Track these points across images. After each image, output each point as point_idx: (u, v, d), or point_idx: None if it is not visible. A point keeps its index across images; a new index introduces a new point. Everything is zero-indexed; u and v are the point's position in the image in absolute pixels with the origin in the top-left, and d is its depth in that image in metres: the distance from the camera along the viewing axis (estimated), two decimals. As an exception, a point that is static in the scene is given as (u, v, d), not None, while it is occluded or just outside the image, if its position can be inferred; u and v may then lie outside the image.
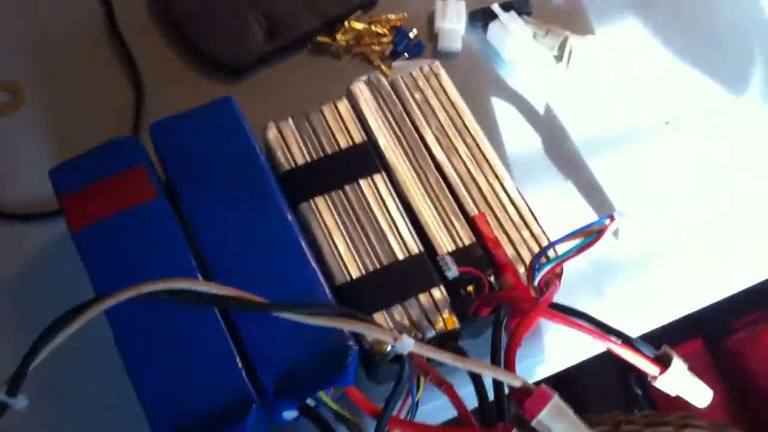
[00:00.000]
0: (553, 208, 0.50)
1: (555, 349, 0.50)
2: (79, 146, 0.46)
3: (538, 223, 0.46)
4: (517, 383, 0.37)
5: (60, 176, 0.45)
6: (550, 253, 0.42)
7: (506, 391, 0.40)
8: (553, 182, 0.54)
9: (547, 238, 0.46)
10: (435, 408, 0.44)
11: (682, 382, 0.41)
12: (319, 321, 0.37)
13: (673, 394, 0.41)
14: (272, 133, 0.48)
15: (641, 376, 0.82)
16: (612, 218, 0.40)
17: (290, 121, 0.49)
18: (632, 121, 0.57)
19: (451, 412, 0.45)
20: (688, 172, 0.56)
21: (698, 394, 0.42)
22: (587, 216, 0.53)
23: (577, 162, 0.55)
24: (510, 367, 0.39)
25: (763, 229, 0.55)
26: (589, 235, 0.40)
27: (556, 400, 0.37)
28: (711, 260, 0.53)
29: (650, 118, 0.58)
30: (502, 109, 0.57)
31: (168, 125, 0.47)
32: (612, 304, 0.51)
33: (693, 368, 0.88)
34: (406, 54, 0.59)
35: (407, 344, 0.37)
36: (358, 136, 0.48)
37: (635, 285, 0.52)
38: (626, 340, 0.41)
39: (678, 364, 0.41)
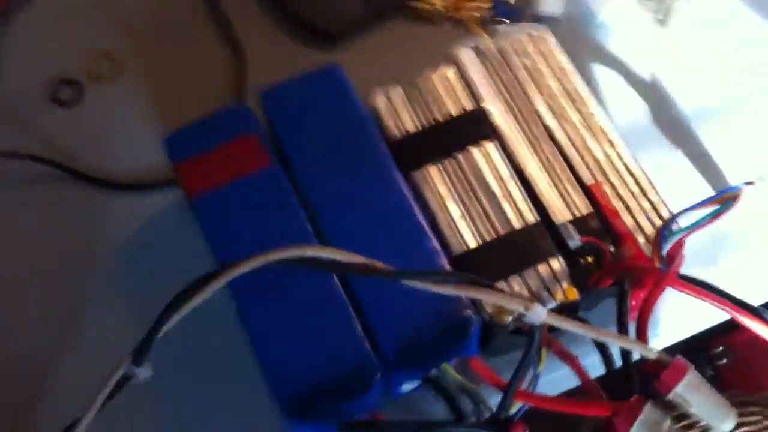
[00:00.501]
0: (664, 178, 0.48)
1: (668, 322, 0.49)
2: (182, 116, 0.46)
3: (656, 191, 0.45)
4: (653, 355, 0.36)
5: (175, 144, 0.45)
6: (674, 226, 0.41)
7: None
8: (662, 152, 0.53)
9: (667, 207, 0.44)
10: (554, 380, 0.44)
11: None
12: (448, 289, 0.37)
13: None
14: (381, 101, 0.47)
15: (711, 357, 0.81)
16: (750, 183, 0.38)
17: (399, 88, 0.48)
18: (742, 87, 0.55)
19: (568, 384, 0.45)
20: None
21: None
22: (698, 186, 0.51)
23: (685, 130, 0.54)
24: (642, 339, 0.39)
25: None
26: (723, 203, 0.39)
27: (692, 372, 0.36)
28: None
29: (762, 84, 0.55)
30: (603, 76, 0.56)
31: (278, 92, 0.47)
32: (726, 274, 0.49)
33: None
34: (504, 20, 0.58)
35: (540, 313, 0.36)
36: (468, 104, 0.47)
37: (750, 254, 0.50)
38: (756, 313, 0.40)
39: (811, 338, 0.40)
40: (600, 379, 0.40)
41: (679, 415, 0.40)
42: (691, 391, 0.36)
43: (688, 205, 0.40)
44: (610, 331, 0.38)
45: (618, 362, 0.40)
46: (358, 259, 0.36)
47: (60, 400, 0.46)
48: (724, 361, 0.87)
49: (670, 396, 0.36)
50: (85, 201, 0.53)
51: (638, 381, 0.39)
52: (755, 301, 0.49)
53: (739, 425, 0.67)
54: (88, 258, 0.51)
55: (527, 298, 0.37)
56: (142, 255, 0.51)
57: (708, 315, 0.49)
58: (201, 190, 0.43)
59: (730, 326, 0.48)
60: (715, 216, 0.39)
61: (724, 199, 0.39)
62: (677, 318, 0.49)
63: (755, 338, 0.78)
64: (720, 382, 0.90)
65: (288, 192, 0.44)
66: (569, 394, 0.43)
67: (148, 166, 0.52)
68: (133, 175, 0.53)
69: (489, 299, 0.37)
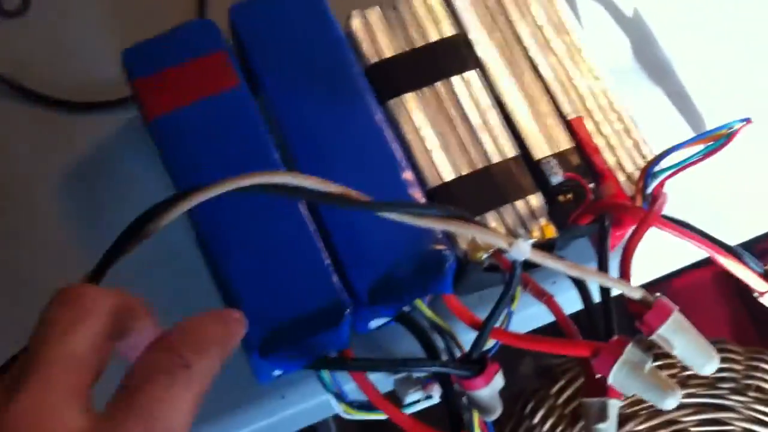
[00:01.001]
0: (648, 117, 0.47)
1: (645, 260, 0.48)
2: (142, 30, 0.42)
3: (639, 129, 0.43)
4: (636, 295, 0.35)
5: (134, 59, 0.41)
6: (662, 164, 0.40)
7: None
8: (643, 90, 0.51)
9: (649, 146, 0.43)
10: (529, 316, 0.43)
11: (791, 300, 0.40)
12: (428, 222, 0.34)
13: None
14: (357, 23, 0.44)
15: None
16: (748, 121, 0.37)
17: (377, 9, 0.45)
18: (726, 25, 0.54)
19: (542, 321, 0.44)
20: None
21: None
22: (680, 126, 0.50)
23: (667, 69, 0.52)
24: (626, 277, 0.37)
25: None
26: (716, 140, 0.37)
27: (677, 313, 0.35)
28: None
29: (747, 23, 0.54)
30: (584, 11, 0.53)
31: (248, 8, 0.43)
32: (710, 211, 0.48)
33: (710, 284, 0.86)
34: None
35: (524, 249, 0.34)
36: (450, 29, 0.45)
37: (734, 191, 0.49)
38: (735, 254, 0.39)
39: (789, 282, 0.39)
40: (590, 317, 0.39)
41: (660, 354, 0.39)
42: (675, 333, 0.35)
43: (676, 143, 0.39)
44: (594, 269, 0.37)
45: (597, 300, 0.39)
46: (332, 187, 0.34)
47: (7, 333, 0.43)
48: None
49: (653, 337, 0.35)
50: (33, 120, 0.49)
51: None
52: (736, 241, 0.49)
53: (686, 367, 0.68)
54: (37, 182, 0.47)
55: (510, 234, 0.35)
56: (94, 180, 0.47)
57: (671, 258, 0.49)
58: (160, 110, 0.40)
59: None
60: (705, 155, 0.38)
61: (716, 137, 0.37)
62: (655, 253, 0.48)
63: (694, 284, 0.79)
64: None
65: (255, 115, 0.41)
66: (545, 332, 0.42)
67: (102, 83, 0.48)
68: (86, 92, 0.49)
69: (471, 234, 0.35)
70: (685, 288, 0.80)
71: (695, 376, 0.68)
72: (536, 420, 0.63)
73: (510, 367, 0.46)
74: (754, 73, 0.53)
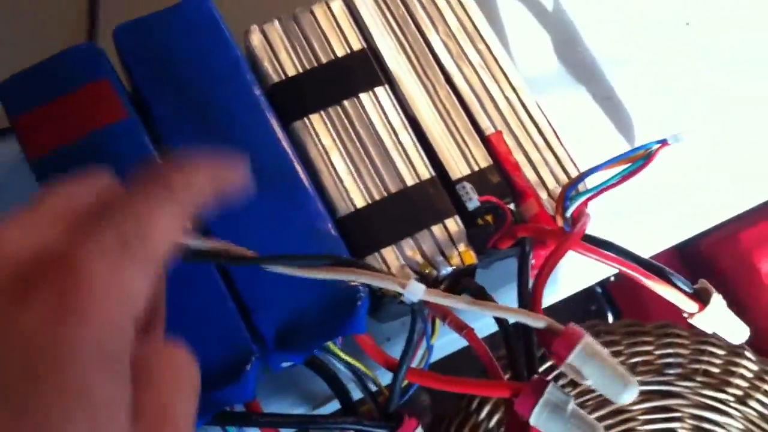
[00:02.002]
0: (570, 121, 0.45)
1: (567, 276, 0.46)
2: (19, 59, 0.39)
3: (561, 143, 0.41)
4: (540, 324, 0.33)
5: (10, 94, 0.38)
6: (581, 186, 0.38)
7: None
8: (567, 92, 0.49)
9: (572, 161, 0.41)
10: (450, 341, 0.41)
11: (720, 319, 0.38)
12: (314, 273, 0.32)
13: (709, 331, 0.38)
14: (256, 38, 0.41)
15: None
16: (664, 143, 0.35)
17: (276, 23, 0.42)
18: (649, 23, 0.52)
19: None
20: (709, 76, 0.51)
21: (735, 330, 0.38)
22: (605, 129, 0.48)
23: (591, 69, 0.50)
24: (536, 306, 0.35)
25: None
26: (634, 162, 0.35)
27: (586, 339, 0.33)
28: (736, 171, 0.49)
29: (669, 19, 0.52)
30: (506, 12, 0.51)
31: (135, 29, 0.40)
32: (633, 225, 0.47)
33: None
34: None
35: (417, 291, 0.32)
36: (357, 43, 0.42)
37: (657, 203, 0.47)
38: (663, 275, 0.38)
39: (717, 301, 0.38)
40: (511, 353, 0.37)
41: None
42: (586, 360, 0.32)
43: (595, 165, 0.37)
44: (493, 303, 0.35)
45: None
46: (214, 244, 0.31)
47: None
48: (612, 279, 0.87)
49: (563, 368, 0.32)
50: None
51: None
52: (658, 249, 0.48)
53: (632, 354, 0.67)
54: None
55: (402, 277, 0.33)
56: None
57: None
58: (40, 151, 0.37)
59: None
60: (624, 177, 0.36)
61: (636, 157, 0.35)
62: (575, 269, 0.46)
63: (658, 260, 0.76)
64: (612, 304, 0.90)
65: (146, 148, 0.38)
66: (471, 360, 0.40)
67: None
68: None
69: (361, 280, 0.32)
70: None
71: (643, 363, 0.67)
72: (482, 416, 0.61)
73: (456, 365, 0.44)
74: (684, 70, 0.51)
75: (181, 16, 0.40)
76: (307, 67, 0.41)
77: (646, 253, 0.48)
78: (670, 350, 0.67)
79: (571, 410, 0.33)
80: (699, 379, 0.66)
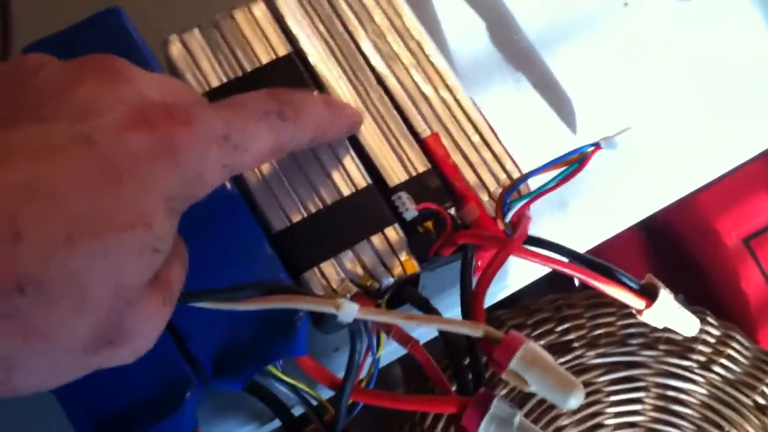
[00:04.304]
0: (508, 113, 0.44)
1: (516, 271, 0.46)
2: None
3: (499, 141, 0.41)
4: (479, 333, 0.33)
5: None
6: (522, 188, 0.37)
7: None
8: (504, 83, 0.48)
9: (511, 158, 0.41)
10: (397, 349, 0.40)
11: (670, 314, 0.38)
12: (243, 306, 0.32)
13: (660, 326, 0.38)
14: (176, 49, 0.40)
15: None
16: (597, 147, 0.35)
17: (196, 32, 0.41)
18: (585, 5, 0.51)
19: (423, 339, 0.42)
20: (647, 60, 0.50)
21: (686, 324, 0.39)
22: (546, 120, 0.48)
23: (529, 56, 0.49)
24: (477, 313, 0.35)
25: (726, 121, 0.50)
26: (569, 165, 0.35)
27: (528, 345, 0.32)
28: (676, 156, 0.49)
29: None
30: (437, 3, 0.50)
31: (45, 47, 0.38)
32: (575, 216, 0.47)
33: (626, 246, 0.87)
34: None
35: (350, 312, 0.32)
36: (282, 48, 0.41)
37: (598, 193, 0.48)
38: (608, 273, 0.38)
39: (665, 296, 0.38)
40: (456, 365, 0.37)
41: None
42: (527, 366, 0.32)
43: (531, 169, 0.37)
44: (430, 317, 0.35)
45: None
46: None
47: None
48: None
49: (504, 376, 0.32)
50: None
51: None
52: (603, 238, 0.48)
53: (594, 327, 0.68)
54: None
55: (334, 299, 0.32)
56: None
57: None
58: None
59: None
60: (560, 181, 0.35)
61: (572, 161, 0.35)
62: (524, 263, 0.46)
63: (615, 244, 0.77)
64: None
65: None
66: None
67: None
68: None
69: (293, 306, 0.32)
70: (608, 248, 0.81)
71: (606, 334, 0.67)
72: (427, 424, 0.62)
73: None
74: (623, 51, 0.51)
75: (92, 31, 0.39)
76: (231, 76, 0.40)
77: (602, 236, 0.48)
78: (632, 320, 0.68)
79: (518, 423, 0.33)
80: (662, 347, 0.67)
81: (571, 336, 0.67)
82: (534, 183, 0.39)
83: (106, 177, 0.22)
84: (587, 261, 0.38)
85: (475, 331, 0.33)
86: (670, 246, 0.85)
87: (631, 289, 0.38)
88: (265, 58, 0.41)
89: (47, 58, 0.27)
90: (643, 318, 0.39)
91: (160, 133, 0.24)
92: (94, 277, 0.22)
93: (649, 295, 0.38)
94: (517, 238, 0.36)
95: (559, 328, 0.67)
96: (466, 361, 0.37)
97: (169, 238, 0.25)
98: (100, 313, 0.22)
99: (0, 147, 0.22)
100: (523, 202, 0.36)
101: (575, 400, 0.33)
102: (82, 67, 0.26)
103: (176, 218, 0.25)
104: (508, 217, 0.37)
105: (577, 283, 0.85)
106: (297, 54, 0.41)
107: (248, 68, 0.40)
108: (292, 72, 0.40)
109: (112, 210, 0.22)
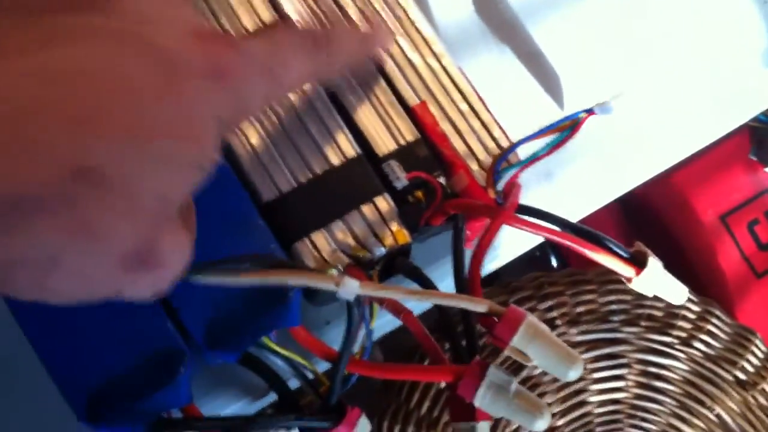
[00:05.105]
0: (493, 83, 0.45)
1: (506, 241, 0.46)
2: None
3: (487, 109, 0.41)
4: (482, 308, 0.33)
5: None
6: (511, 156, 0.37)
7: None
8: (490, 53, 0.48)
9: (499, 126, 0.41)
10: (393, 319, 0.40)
11: (658, 282, 0.39)
12: (240, 281, 0.32)
13: (649, 294, 0.39)
14: (160, 19, 0.40)
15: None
16: (590, 113, 0.35)
17: None
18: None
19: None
20: (632, 33, 0.51)
21: (674, 292, 0.39)
22: (530, 89, 0.48)
23: (515, 26, 0.49)
24: (475, 288, 0.35)
25: (704, 97, 0.51)
26: (561, 132, 0.35)
27: (529, 320, 0.33)
28: (657, 130, 0.50)
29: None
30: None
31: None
32: (561, 187, 0.47)
33: (605, 223, 0.88)
34: None
35: (352, 288, 0.32)
36: (266, 14, 0.41)
37: (585, 165, 0.48)
38: (599, 242, 0.38)
39: (654, 264, 0.38)
40: (452, 336, 0.37)
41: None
42: (530, 342, 0.33)
43: (522, 137, 0.37)
44: (432, 292, 0.35)
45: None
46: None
47: None
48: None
49: (507, 351, 0.33)
50: None
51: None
52: (589, 210, 0.48)
53: (576, 304, 0.69)
54: None
55: (333, 275, 0.32)
56: None
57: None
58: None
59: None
60: (552, 148, 0.36)
61: (563, 127, 0.35)
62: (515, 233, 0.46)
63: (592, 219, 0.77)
64: (555, 248, 0.92)
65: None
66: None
67: None
68: None
69: (292, 282, 0.32)
70: (587, 224, 0.81)
71: (587, 312, 0.68)
72: (413, 404, 0.62)
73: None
74: (610, 19, 0.51)
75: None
76: (217, 46, 0.40)
77: (587, 209, 0.49)
78: (613, 297, 0.68)
79: (514, 390, 0.34)
80: (643, 323, 0.68)
81: (554, 314, 0.67)
82: (523, 152, 0.40)
83: (169, 83, 0.23)
84: (578, 229, 0.38)
85: (479, 306, 0.33)
86: (649, 223, 0.86)
87: (621, 257, 0.38)
88: (250, 25, 0.40)
89: None
90: (633, 286, 0.39)
91: (217, 54, 0.25)
92: (148, 180, 0.22)
93: (639, 263, 0.39)
94: (509, 207, 0.37)
95: (542, 306, 0.67)
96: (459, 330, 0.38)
97: (212, 158, 0.25)
98: (145, 221, 0.22)
99: (66, 28, 0.22)
100: (514, 170, 0.37)
101: (575, 372, 0.34)
102: None
103: (219, 140, 0.26)
104: (500, 186, 0.37)
105: (555, 263, 0.86)
106: (282, 19, 0.41)
107: (233, 34, 0.40)
108: (279, 41, 0.40)
109: (172, 117, 0.22)
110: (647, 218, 0.87)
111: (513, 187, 0.38)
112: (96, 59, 0.21)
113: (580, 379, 0.66)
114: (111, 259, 0.22)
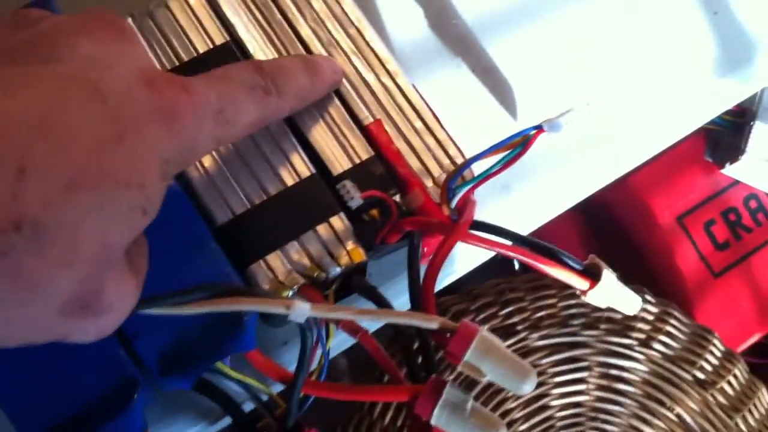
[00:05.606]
0: (449, 99, 0.45)
1: (462, 255, 0.47)
2: None
3: (442, 126, 0.41)
4: (434, 325, 0.33)
5: None
6: (466, 173, 0.38)
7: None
8: (445, 69, 0.49)
9: (454, 144, 0.41)
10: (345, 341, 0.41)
11: (612, 294, 0.39)
12: (191, 310, 0.31)
13: (603, 306, 0.40)
14: (109, 40, 0.39)
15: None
16: (540, 129, 0.35)
17: (130, 21, 0.40)
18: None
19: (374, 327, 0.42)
20: (584, 44, 0.52)
21: (628, 303, 0.40)
22: (486, 104, 0.48)
23: (469, 41, 0.50)
24: (428, 305, 0.36)
25: (658, 102, 0.52)
26: (513, 149, 0.35)
27: (482, 335, 0.33)
28: (614, 137, 0.51)
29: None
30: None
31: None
32: (519, 198, 0.48)
33: (565, 228, 0.89)
34: None
35: (303, 311, 0.32)
36: (219, 36, 0.41)
37: (541, 175, 0.49)
38: (553, 255, 0.38)
39: (608, 276, 0.39)
40: (407, 355, 0.37)
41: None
42: (483, 356, 0.33)
43: (474, 155, 0.37)
44: (382, 310, 0.35)
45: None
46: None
47: None
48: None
49: (461, 367, 0.33)
50: None
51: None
52: (544, 220, 0.49)
53: (536, 309, 0.69)
54: None
55: (284, 299, 0.32)
56: None
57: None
58: None
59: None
60: (504, 164, 0.36)
61: (515, 144, 0.36)
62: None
63: (553, 228, 0.78)
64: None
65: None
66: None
67: None
68: None
69: (243, 308, 0.32)
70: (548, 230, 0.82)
71: (548, 316, 0.69)
72: (376, 414, 0.62)
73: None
74: (560, 41, 0.52)
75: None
76: (168, 67, 0.40)
77: (546, 217, 0.49)
78: (572, 301, 0.69)
79: (470, 408, 0.34)
80: (603, 326, 0.69)
81: (515, 319, 0.68)
82: (477, 168, 0.40)
83: (112, 130, 0.23)
84: (532, 244, 0.39)
85: (430, 323, 0.33)
86: (608, 226, 0.87)
87: (575, 270, 0.39)
88: (201, 47, 0.40)
89: (48, 12, 0.27)
90: (587, 299, 0.40)
91: (165, 97, 0.25)
92: (86, 229, 0.22)
93: (593, 275, 0.39)
94: (462, 224, 0.37)
95: (503, 312, 0.68)
96: (415, 346, 0.38)
97: (157, 202, 0.25)
98: (84, 269, 0.22)
99: (10, 78, 0.22)
100: (468, 187, 0.37)
101: (529, 386, 0.34)
102: (87, 19, 0.26)
103: (166, 183, 0.26)
104: (454, 203, 0.38)
105: (517, 266, 0.87)
106: (235, 42, 0.41)
107: (185, 58, 0.40)
108: (231, 61, 0.40)
109: (112, 164, 0.22)
110: (608, 222, 0.88)
111: (467, 203, 0.38)
112: (39, 108, 0.21)
113: (542, 383, 0.67)
114: (50, 308, 0.22)
